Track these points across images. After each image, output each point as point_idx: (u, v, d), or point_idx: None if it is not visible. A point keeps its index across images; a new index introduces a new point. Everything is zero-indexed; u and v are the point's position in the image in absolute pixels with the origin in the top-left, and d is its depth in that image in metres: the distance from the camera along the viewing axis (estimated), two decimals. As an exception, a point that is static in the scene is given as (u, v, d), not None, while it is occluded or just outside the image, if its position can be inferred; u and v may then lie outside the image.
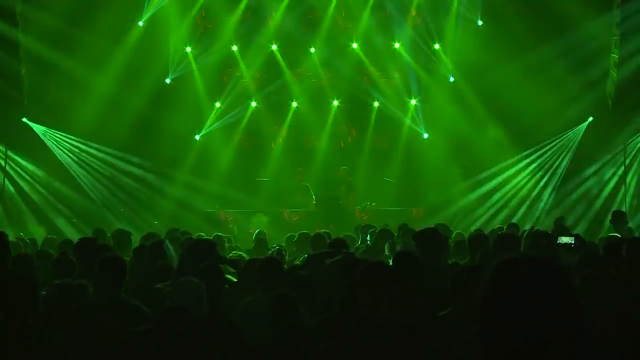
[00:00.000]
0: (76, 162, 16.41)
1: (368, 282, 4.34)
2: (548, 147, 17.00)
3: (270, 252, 8.66)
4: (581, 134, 16.71)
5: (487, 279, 2.05)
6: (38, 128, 16.18)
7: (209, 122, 17.07)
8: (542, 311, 1.96)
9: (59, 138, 16.31)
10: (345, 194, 15.60)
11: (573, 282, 2.03)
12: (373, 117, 17.43)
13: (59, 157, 16.28)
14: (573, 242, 6.38)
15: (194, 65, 16.89)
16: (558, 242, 6.43)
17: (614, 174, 16.24)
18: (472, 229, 12.46)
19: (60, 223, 15.62)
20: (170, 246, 6.98)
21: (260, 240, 9.90)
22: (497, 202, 17.02)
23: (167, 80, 16.84)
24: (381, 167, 16.98)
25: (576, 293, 2.01)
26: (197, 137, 17.07)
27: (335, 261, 5.76)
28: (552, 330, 1.96)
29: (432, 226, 7.57)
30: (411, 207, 15.88)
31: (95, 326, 4.72)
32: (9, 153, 15.69)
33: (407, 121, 17.28)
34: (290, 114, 17.30)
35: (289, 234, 10.38)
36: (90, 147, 16.45)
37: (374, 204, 15.79)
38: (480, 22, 16.88)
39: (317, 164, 16.97)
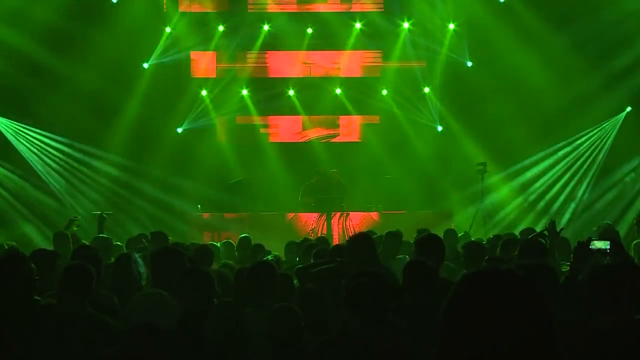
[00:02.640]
0: (43, 160, 16.26)
1: (352, 303, 4.42)
2: (580, 140, 16.54)
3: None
4: (618, 126, 16.45)
5: (450, 295, 2.09)
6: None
7: (193, 113, 16.78)
8: (510, 330, 2.00)
9: (25, 132, 16.15)
10: (339, 198, 15.27)
11: (543, 298, 2.07)
12: (380, 106, 17.15)
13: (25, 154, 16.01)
14: (608, 247, 6.23)
15: (168, 48, 16.57)
16: (591, 247, 6.27)
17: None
18: (491, 234, 12.26)
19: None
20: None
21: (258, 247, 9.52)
22: (521, 203, 16.59)
23: (145, 65, 16.51)
24: (388, 164, 16.62)
25: (547, 309, 2.05)
26: (179, 130, 16.80)
27: (323, 270, 5.58)
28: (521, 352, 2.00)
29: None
30: (422, 209, 15.69)
31: (58, 345, 4.64)
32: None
33: (419, 112, 16.96)
34: (287, 103, 17.01)
35: (289, 241, 10.10)
36: (59, 142, 16.21)
37: (380, 206, 15.64)
38: (501, 0, 16.50)
39: (315, 161, 16.60)
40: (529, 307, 2.04)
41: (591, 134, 16.59)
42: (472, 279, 2.10)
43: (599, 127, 16.54)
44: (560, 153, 16.69)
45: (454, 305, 2.07)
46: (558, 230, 6.82)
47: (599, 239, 6.04)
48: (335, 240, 13.99)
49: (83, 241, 9.83)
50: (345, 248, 6.67)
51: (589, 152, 16.64)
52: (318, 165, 15.97)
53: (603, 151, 16.50)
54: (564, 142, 16.62)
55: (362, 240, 6.54)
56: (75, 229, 11.07)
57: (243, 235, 10.62)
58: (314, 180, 15.45)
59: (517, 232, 11.75)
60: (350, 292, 4.48)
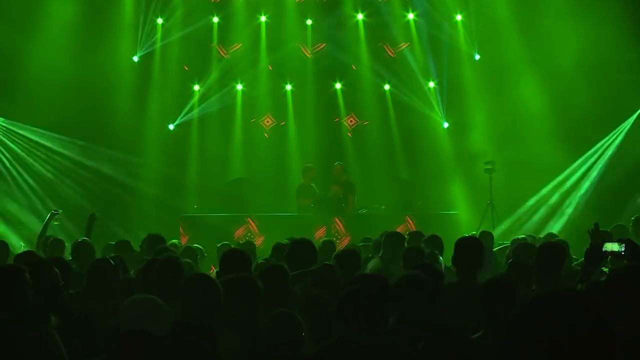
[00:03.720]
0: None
1: (348, 309, 4.42)
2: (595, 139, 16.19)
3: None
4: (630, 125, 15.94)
5: (518, 318, 2.28)
6: None
7: (185, 108, 16.59)
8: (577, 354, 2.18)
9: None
10: (343, 195, 15.04)
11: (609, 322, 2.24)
12: (383, 102, 16.97)
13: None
14: (622, 250, 5.99)
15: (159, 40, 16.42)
16: (604, 249, 6.03)
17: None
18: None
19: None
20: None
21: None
22: (532, 204, 16.30)
23: (135, 58, 16.30)
24: (391, 162, 16.53)
25: (610, 330, 2.23)
26: (171, 127, 16.60)
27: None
28: None
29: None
30: (427, 209, 15.54)
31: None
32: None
33: (424, 107, 16.81)
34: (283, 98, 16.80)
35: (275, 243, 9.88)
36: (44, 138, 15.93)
37: (383, 207, 15.40)
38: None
39: (312, 159, 16.22)
40: (594, 329, 2.23)
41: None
42: (543, 302, 2.29)
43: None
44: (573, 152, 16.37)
45: (523, 329, 2.27)
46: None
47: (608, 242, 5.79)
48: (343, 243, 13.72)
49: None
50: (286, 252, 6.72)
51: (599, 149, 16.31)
52: (310, 163, 15.74)
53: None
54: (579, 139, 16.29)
55: (303, 246, 6.64)
56: (55, 223, 10.92)
57: (246, 240, 10.65)
58: (304, 180, 15.18)
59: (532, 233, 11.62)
60: (345, 299, 4.44)
